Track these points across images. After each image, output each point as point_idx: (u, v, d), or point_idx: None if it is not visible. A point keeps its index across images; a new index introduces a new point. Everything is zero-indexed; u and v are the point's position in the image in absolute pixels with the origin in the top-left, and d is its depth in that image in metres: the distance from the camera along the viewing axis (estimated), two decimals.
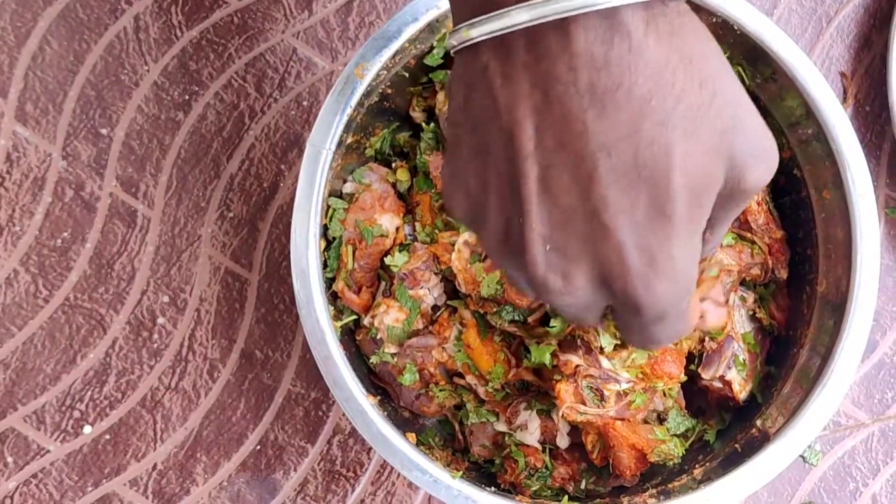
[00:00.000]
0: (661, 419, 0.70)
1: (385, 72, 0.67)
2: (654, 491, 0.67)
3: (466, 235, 0.67)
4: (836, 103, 0.67)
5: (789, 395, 0.68)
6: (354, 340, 0.72)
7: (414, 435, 0.67)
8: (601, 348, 0.64)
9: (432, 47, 0.69)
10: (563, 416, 0.65)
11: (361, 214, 0.70)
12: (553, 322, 0.65)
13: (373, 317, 0.70)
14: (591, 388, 0.64)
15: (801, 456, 0.80)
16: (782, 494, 0.80)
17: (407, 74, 0.70)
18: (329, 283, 0.70)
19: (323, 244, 0.69)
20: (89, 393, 0.79)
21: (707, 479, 0.65)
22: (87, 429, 0.78)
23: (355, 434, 0.79)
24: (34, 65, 0.81)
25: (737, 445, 0.68)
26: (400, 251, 0.71)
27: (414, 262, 0.70)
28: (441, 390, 0.70)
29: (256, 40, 0.82)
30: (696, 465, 0.69)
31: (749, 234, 0.70)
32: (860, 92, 0.84)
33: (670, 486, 0.67)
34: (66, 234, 0.80)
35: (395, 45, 0.66)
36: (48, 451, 0.78)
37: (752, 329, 0.71)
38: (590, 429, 0.67)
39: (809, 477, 0.80)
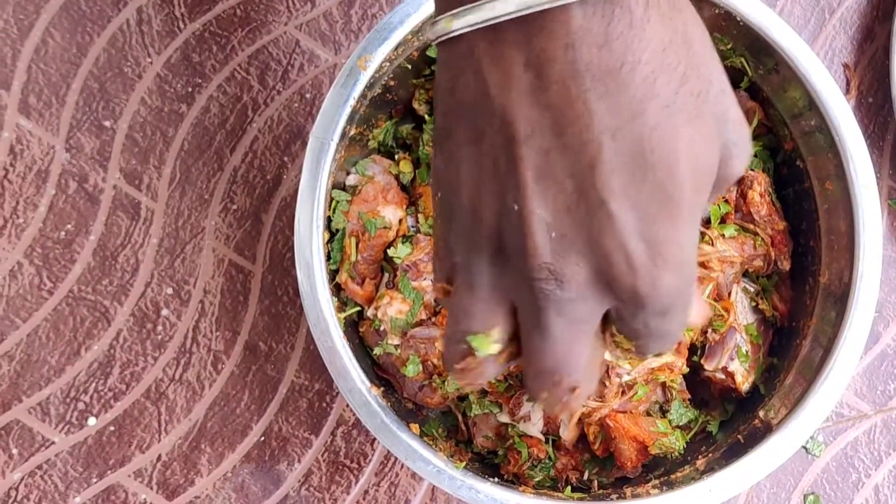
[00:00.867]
0: (663, 410, 0.70)
1: (388, 63, 0.67)
2: (657, 482, 0.67)
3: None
4: (839, 95, 0.67)
5: (792, 386, 0.68)
6: (358, 332, 0.72)
7: (417, 426, 0.67)
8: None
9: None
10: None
11: (365, 206, 0.70)
12: None
13: (376, 308, 0.70)
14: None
15: (804, 447, 0.80)
16: (785, 485, 0.80)
17: (410, 66, 0.70)
18: (332, 274, 0.70)
19: (326, 236, 0.69)
20: (94, 385, 0.79)
21: (710, 469, 0.65)
22: (92, 420, 0.79)
23: (359, 425, 0.79)
24: (37, 57, 0.81)
25: (739, 436, 0.68)
26: (403, 243, 0.71)
27: (417, 254, 0.70)
28: (444, 381, 0.71)
29: (259, 32, 0.82)
30: (699, 456, 0.69)
31: (752, 226, 0.70)
32: (863, 83, 0.84)
33: (673, 476, 0.67)
34: (69, 226, 0.80)
35: (397, 37, 0.66)
36: (53, 443, 0.78)
37: (754, 320, 0.72)
38: (592, 420, 0.67)
39: (812, 468, 0.80)
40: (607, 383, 0.64)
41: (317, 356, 0.79)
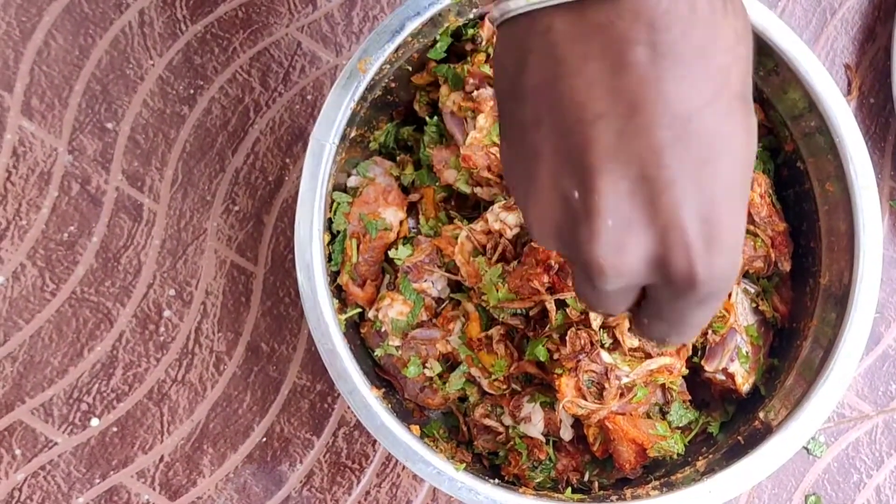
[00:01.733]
0: (663, 412, 0.70)
1: (388, 66, 0.67)
2: (657, 483, 0.67)
3: (468, 229, 0.67)
4: (839, 96, 0.67)
5: (792, 387, 0.68)
6: (359, 333, 0.72)
7: (418, 427, 0.67)
8: (602, 343, 0.64)
9: (435, 41, 0.69)
10: (563, 409, 0.65)
11: (365, 208, 0.70)
12: (557, 316, 0.66)
13: (377, 310, 0.70)
14: (593, 382, 0.64)
15: (805, 448, 0.80)
16: (786, 486, 0.80)
17: (410, 68, 0.70)
18: (334, 276, 0.71)
19: (327, 238, 0.69)
20: (96, 386, 0.79)
21: (710, 470, 0.66)
22: (95, 421, 0.79)
23: (361, 426, 0.79)
24: (39, 59, 0.81)
25: (740, 437, 0.68)
26: (404, 244, 0.71)
27: (417, 256, 0.70)
28: (444, 382, 0.71)
29: (261, 34, 0.82)
30: (700, 457, 0.69)
31: (752, 227, 0.70)
32: (864, 84, 0.84)
33: (673, 477, 0.67)
34: (72, 228, 0.80)
35: (398, 40, 0.66)
36: (56, 444, 0.79)
37: (755, 322, 0.72)
38: (591, 422, 0.67)
39: (813, 469, 0.80)
40: (606, 385, 0.64)
41: (318, 357, 0.79)
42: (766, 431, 0.66)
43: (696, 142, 0.39)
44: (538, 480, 0.71)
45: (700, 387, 0.73)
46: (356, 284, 0.71)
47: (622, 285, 0.42)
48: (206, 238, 0.81)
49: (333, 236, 0.71)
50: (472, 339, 0.69)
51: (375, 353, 0.71)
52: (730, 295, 0.70)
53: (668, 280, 0.41)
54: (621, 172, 0.39)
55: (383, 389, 0.68)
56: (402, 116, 0.75)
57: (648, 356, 0.65)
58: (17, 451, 0.78)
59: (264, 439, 0.79)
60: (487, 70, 0.68)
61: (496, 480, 0.66)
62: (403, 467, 0.79)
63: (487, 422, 0.71)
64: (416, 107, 0.74)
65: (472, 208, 0.73)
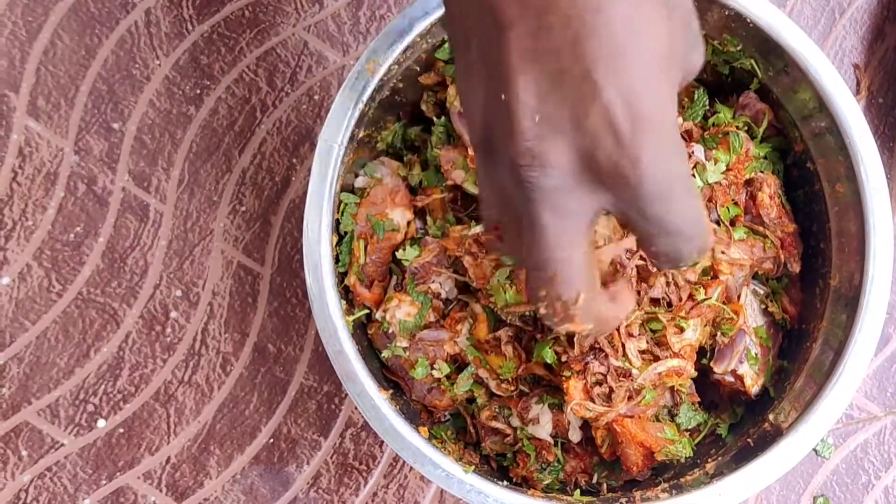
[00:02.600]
0: (672, 414, 0.70)
1: (396, 66, 0.67)
2: (666, 485, 0.67)
3: (477, 230, 0.67)
4: (849, 96, 0.66)
5: (802, 389, 0.68)
6: (367, 334, 0.72)
7: (426, 429, 0.67)
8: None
9: (443, 41, 0.69)
10: (571, 411, 0.65)
11: (373, 209, 0.70)
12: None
13: (384, 311, 0.70)
14: (601, 384, 0.64)
15: (814, 449, 0.80)
16: (795, 487, 0.80)
17: (418, 68, 0.70)
18: (341, 277, 0.70)
19: (335, 239, 0.69)
20: (103, 387, 0.79)
21: (720, 473, 0.65)
22: (101, 422, 0.79)
23: (368, 427, 0.79)
24: (46, 59, 0.81)
25: (749, 440, 0.68)
26: (411, 245, 0.71)
27: (425, 257, 0.70)
28: (452, 383, 0.71)
29: (267, 34, 0.82)
30: (709, 459, 0.69)
31: (761, 228, 0.70)
32: (873, 84, 0.83)
33: (682, 480, 0.67)
34: (78, 228, 0.80)
35: (406, 41, 0.66)
36: (62, 445, 0.78)
37: (764, 323, 0.71)
38: (599, 424, 0.67)
39: (822, 470, 0.80)
40: (615, 387, 0.63)
41: (326, 358, 0.79)
42: (776, 434, 0.66)
43: (607, 32, 0.40)
44: (546, 482, 0.70)
45: (709, 388, 0.72)
46: (364, 285, 0.71)
47: (553, 183, 0.42)
48: (213, 238, 0.80)
49: (341, 237, 0.71)
50: (480, 340, 0.68)
51: (383, 355, 0.71)
52: (739, 296, 0.69)
53: (607, 185, 0.42)
54: (538, 70, 0.41)
55: (391, 391, 0.68)
56: (409, 117, 0.75)
57: (657, 358, 0.65)
58: (24, 453, 0.78)
59: (271, 440, 0.79)
60: None
61: (504, 482, 0.66)
62: (410, 468, 0.79)
63: (495, 424, 0.71)
64: (424, 107, 0.74)
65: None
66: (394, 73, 0.68)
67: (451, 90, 0.71)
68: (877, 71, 0.84)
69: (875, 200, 0.66)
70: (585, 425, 0.70)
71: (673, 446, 0.67)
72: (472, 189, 0.70)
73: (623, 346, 0.64)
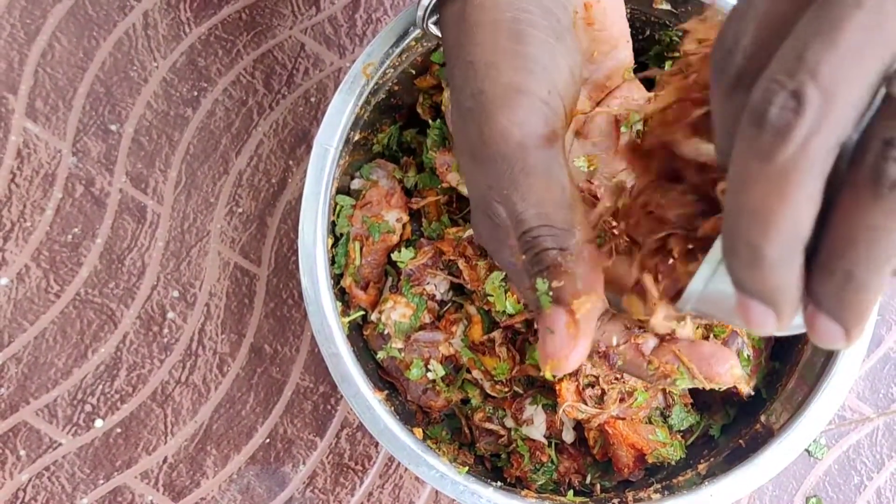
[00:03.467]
0: (664, 415, 0.70)
1: (392, 70, 0.68)
2: (658, 486, 0.67)
3: (470, 233, 0.68)
4: None
5: (794, 390, 0.68)
6: (362, 335, 0.73)
7: (421, 430, 0.67)
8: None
9: (438, 45, 0.69)
10: (564, 413, 0.65)
11: (368, 211, 0.71)
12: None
13: (380, 312, 0.71)
14: (593, 386, 0.64)
15: (806, 450, 0.80)
16: (787, 488, 0.80)
17: (414, 71, 0.70)
18: (337, 279, 0.71)
19: (330, 241, 0.69)
20: (100, 387, 0.79)
21: (712, 474, 0.66)
22: (99, 422, 0.79)
23: (363, 428, 0.80)
24: (44, 61, 0.81)
25: (741, 441, 0.69)
26: (406, 247, 0.71)
27: (420, 258, 0.70)
28: (447, 385, 0.71)
29: (264, 36, 0.82)
30: (701, 460, 0.69)
31: None
32: None
33: (675, 480, 0.67)
34: (76, 229, 0.80)
35: (402, 44, 0.66)
36: (60, 445, 0.79)
37: None
38: (591, 426, 0.67)
39: (814, 471, 0.81)
40: (607, 389, 0.64)
41: (321, 359, 0.79)
42: (768, 435, 0.66)
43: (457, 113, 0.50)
44: (540, 483, 0.71)
45: (701, 389, 0.73)
46: (359, 287, 0.71)
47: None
48: (210, 240, 0.81)
49: (336, 239, 0.71)
50: (474, 342, 0.69)
51: (378, 356, 0.72)
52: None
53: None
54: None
55: (386, 392, 0.68)
56: (405, 119, 0.75)
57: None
58: (22, 452, 0.79)
59: (267, 440, 0.80)
60: None
61: (498, 483, 0.66)
62: (406, 469, 0.80)
63: (488, 425, 0.71)
64: (420, 110, 0.74)
65: None
66: (390, 77, 0.68)
67: (447, 93, 0.71)
68: None
69: None
70: (579, 426, 0.71)
71: (664, 449, 0.67)
72: (466, 192, 0.70)
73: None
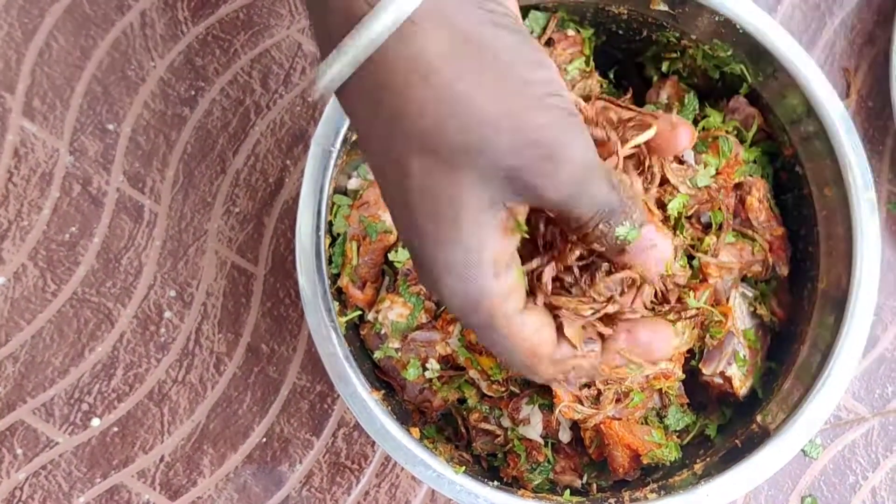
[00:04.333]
0: (660, 416, 0.70)
1: None
2: (655, 486, 0.68)
3: None
4: (838, 101, 0.67)
5: (790, 391, 0.69)
6: (359, 335, 0.73)
7: (418, 429, 0.67)
8: None
9: None
10: (560, 413, 0.65)
11: (366, 211, 0.71)
12: None
13: (377, 312, 0.71)
14: (589, 387, 0.64)
15: (802, 449, 0.80)
16: (783, 487, 0.80)
17: None
18: (334, 279, 0.71)
19: (328, 241, 0.69)
20: (97, 386, 0.80)
21: (708, 474, 0.66)
22: (96, 421, 0.79)
23: (360, 427, 0.80)
24: (41, 60, 0.81)
25: (737, 441, 0.69)
26: (403, 247, 0.71)
27: None
28: (443, 384, 0.71)
29: (262, 36, 0.82)
30: (697, 460, 0.69)
31: (750, 232, 0.71)
32: (863, 87, 0.84)
33: (671, 480, 0.68)
34: (73, 228, 0.80)
35: None
36: (57, 443, 0.79)
37: (752, 325, 0.72)
38: (587, 426, 0.68)
39: (810, 470, 0.81)
40: (603, 389, 0.64)
41: (318, 358, 0.79)
42: (764, 435, 0.67)
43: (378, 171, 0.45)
44: (536, 482, 0.71)
45: (698, 389, 0.73)
46: (356, 287, 0.71)
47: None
48: (207, 239, 0.81)
49: (334, 239, 0.71)
50: (471, 341, 0.69)
51: (375, 355, 0.72)
52: (727, 299, 0.70)
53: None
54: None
55: (383, 391, 0.68)
56: None
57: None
58: (19, 451, 0.79)
59: (264, 440, 0.80)
60: None
61: (495, 483, 0.66)
62: (402, 468, 0.80)
63: (484, 425, 0.72)
64: None
65: None
66: None
67: None
68: (866, 75, 0.84)
69: (863, 205, 0.67)
70: (575, 426, 0.71)
71: (659, 450, 0.67)
72: None
73: None
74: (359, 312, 0.72)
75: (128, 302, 0.80)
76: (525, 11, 0.70)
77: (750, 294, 0.72)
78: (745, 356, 0.70)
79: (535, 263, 0.49)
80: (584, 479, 0.72)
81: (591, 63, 0.73)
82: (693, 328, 0.68)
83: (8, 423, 0.79)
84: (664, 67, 0.75)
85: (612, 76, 0.76)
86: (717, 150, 0.70)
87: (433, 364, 0.70)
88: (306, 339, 0.81)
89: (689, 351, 0.70)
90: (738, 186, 0.71)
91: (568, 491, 0.70)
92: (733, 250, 0.70)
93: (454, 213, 0.43)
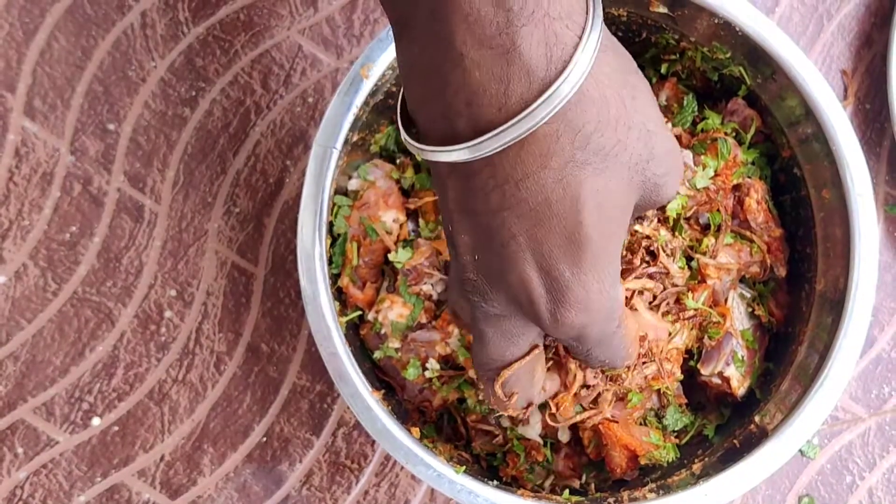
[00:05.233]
0: (658, 416, 0.71)
1: (390, 71, 0.68)
2: (653, 485, 0.68)
3: None
4: (836, 104, 0.67)
5: (788, 391, 0.69)
6: (359, 335, 0.73)
7: (418, 429, 0.68)
8: None
9: None
10: (559, 413, 0.66)
11: (366, 211, 0.71)
12: None
13: (377, 312, 0.71)
14: (588, 387, 0.65)
15: (800, 449, 0.81)
16: (780, 487, 0.81)
17: None
18: (334, 279, 0.71)
19: (328, 241, 0.69)
20: (98, 385, 0.80)
21: (706, 474, 0.66)
22: (96, 420, 0.80)
23: (360, 426, 0.80)
24: (42, 60, 0.82)
25: (735, 441, 0.69)
26: (403, 247, 0.72)
27: (417, 259, 0.70)
28: (443, 384, 0.71)
29: (262, 37, 0.83)
30: (696, 460, 0.70)
31: (748, 233, 0.71)
32: (860, 90, 0.85)
33: (669, 480, 0.68)
34: (74, 228, 0.81)
35: None
36: (58, 442, 0.79)
37: (750, 326, 0.72)
38: (586, 426, 0.68)
39: (807, 470, 0.81)
40: (601, 390, 0.64)
41: (318, 358, 0.80)
42: (762, 435, 0.67)
43: (529, 204, 0.44)
44: (536, 482, 0.71)
45: (696, 389, 0.73)
46: (356, 287, 0.72)
47: (494, 311, 0.50)
48: (207, 239, 0.81)
49: (334, 239, 0.72)
50: (470, 342, 0.69)
51: (375, 355, 0.72)
52: (726, 299, 0.70)
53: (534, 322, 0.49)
54: (469, 222, 0.47)
55: (383, 391, 0.68)
56: None
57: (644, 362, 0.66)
58: (20, 450, 0.79)
59: (264, 439, 0.80)
60: None
61: (495, 482, 0.67)
62: (402, 468, 0.80)
63: (483, 426, 0.72)
64: None
65: None
66: (388, 78, 0.68)
67: None
68: (864, 77, 0.85)
69: (860, 206, 0.67)
70: (574, 426, 0.71)
71: (657, 451, 0.68)
72: None
73: None
74: (359, 312, 0.72)
75: (128, 301, 0.80)
76: None
77: (748, 295, 0.73)
78: (743, 357, 0.71)
79: None
80: (583, 478, 0.73)
81: None
82: (691, 329, 0.68)
83: (9, 422, 0.79)
84: (663, 69, 0.76)
85: None
86: (715, 151, 0.70)
87: (433, 364, 0.70)
88: (306, 339, 0.81)
89: (688, 351, 0.70)
90: (736, 188, 0.71)
91: (567, 490, 0.70)
92: (731, 251, 0.70)
93: (620, 222, 0.47)
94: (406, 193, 0.74)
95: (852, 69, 0.85)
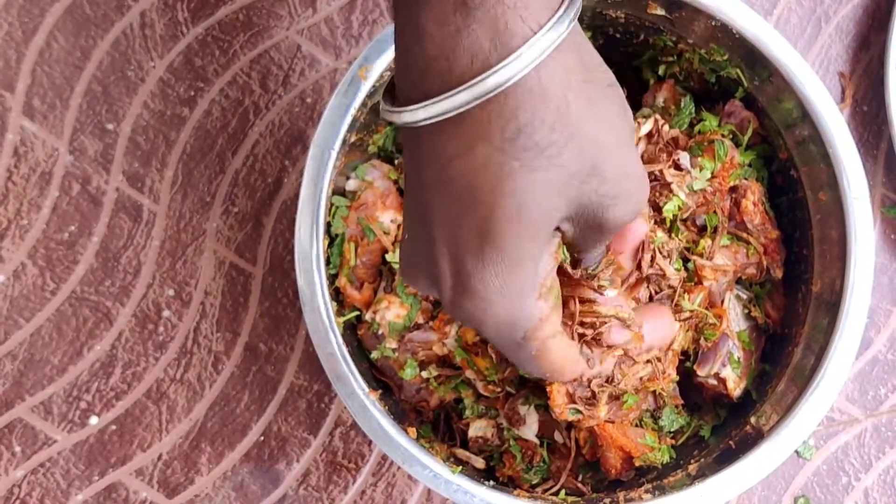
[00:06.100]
0: (654, 417, 0.71)
1: (388, 72, 0.68)
2: (649, 486, 0.68)
3: None
4: (833, 106, 0.67)
5: (784, 392, 0.69)
6: (356, 335, 0.73)
7: (414, 429, 0.68)
8: None
9: None
10: (555, 414, 0.66)
11: (364, 212, 0.71)
12: None
13: (374, 312, 0.71)
14: (583, 388, 0.65)
15: (795, 450, 0.81)
16: (776, 488, 0.81)
17: None
18: (332, 279, 0.71)
19: (326, 241, 0.70)
20: (96, 384, 0.80)
21: (702, 475, 0.66)
22: (94, 419, 0.80)
23: (357, 426, 0.80)
24: (41, 60, 0.82)
25: (731, 442, 0.69)
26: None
27: None
28: (440, 384, 0.72)
29: (261, 37, 0.83)
30: (692, 461, 0.70)
31: (745, 235, 0.71)
32: (858, 92, 0.85)
33: (665, 481, 0.68)
34: (72, 227, 0.81)
35: None
36: (55, 441, 0.79)
37: (747, 327, 0.73)
38: (582, 426, 0.68)
39: (803, 471, 0.81)
40: (597, 392, 0.64)
41: (316, 358, 0.80)
42: (758, 436, 0.67)
43: (452, 189, 0.44)
44: (533, 482, 0.72)
45: (692, 390, 0.74)
46: (354, 287, 0.72)
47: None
48: (206, 239, 0.81)
49: (332, 239, 0.72)
50: (467, 342, 0.69)
51: (372, 356, 0.72)
52: (722, 301, 0.70)
53: None
54: (409, 216, 0.49)
55: (380, 391, 0.69)
56: None
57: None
58: (17, 449, 0.79)
59: (262, 438, 0.80)
60: None
61: (491, 482, 0.67)
62: (399, 467, 0.80)
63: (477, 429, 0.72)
64: None
65: None
66: (385, 79, 0.69)
67: None
68: (861, 79, 0.85)
69: (856, 208, 0.67)
70: (570, 426, 0.71)
71: (652, 453, 0.68)
72: None
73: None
74: (356, 313, 0.72)
75: (126, 301, 0.81)
76: None
77: (744, 296, 0.73)
78: (739, 358, 0.71)
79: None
80: (580, 478, 0.73)
81: None
82: (688, 330, 0.68)
83: (6, 421, 0.79)
84: (661, 71, 0.76)
85: None
86: (712, 153, 0.70)
87: (430, 365, 0.70)
88: (304, 339, 0.81)
89: (684, 353, 0.70)
90: (733, 190, 0.72)
91: (563, 490, 0.71)
92: (728, 253, 0.70)
93: (540, 229, 0.46)
94: (404, 195, 0.74)
95: (850, 71, 0.85)
